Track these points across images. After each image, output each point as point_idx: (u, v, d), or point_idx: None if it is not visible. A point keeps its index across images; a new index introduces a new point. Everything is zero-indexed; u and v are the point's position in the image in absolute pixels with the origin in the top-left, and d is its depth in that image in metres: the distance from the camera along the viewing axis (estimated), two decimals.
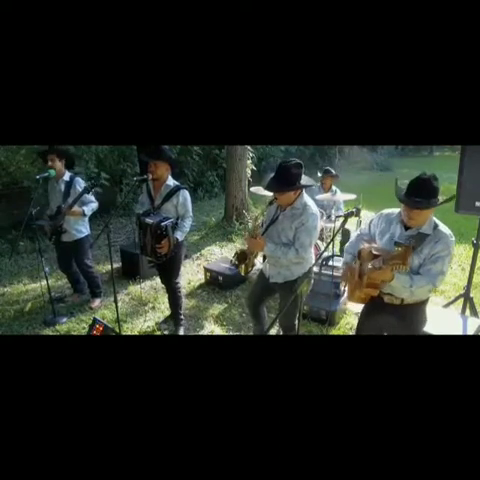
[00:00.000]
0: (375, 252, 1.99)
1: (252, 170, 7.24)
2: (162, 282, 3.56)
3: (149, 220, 2.95)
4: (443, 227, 2.00)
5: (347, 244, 2.38)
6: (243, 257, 2.70)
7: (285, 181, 2.38)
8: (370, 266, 1.95)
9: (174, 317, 3.48)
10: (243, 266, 2.74)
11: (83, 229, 3.73)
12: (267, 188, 2.48)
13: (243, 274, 2.86)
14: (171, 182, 3.12)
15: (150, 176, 3.01)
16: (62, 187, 3.59)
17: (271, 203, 2.64)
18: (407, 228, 2.03)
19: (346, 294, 2.22)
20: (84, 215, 3.60)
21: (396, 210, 2.13)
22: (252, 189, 4.82)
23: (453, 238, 1.97)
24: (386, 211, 2.21)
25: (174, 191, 3.07)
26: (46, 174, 3.40)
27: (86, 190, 3.47)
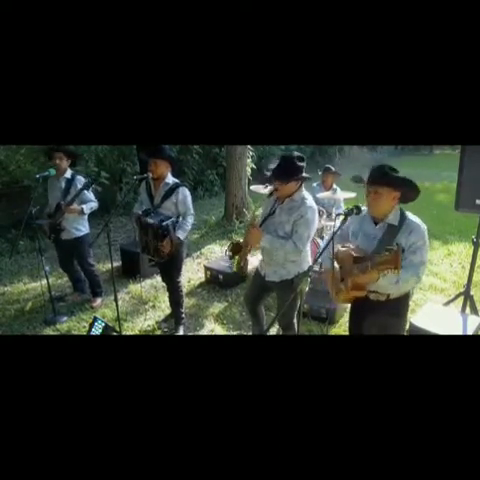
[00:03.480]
0: (355, 254, 1.97)
1: (252, 169, 7.24)
2: (163, 280, 3.57)
3: (150, 220, 2.94)
4: (412, 217, 2.06)
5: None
6: (237, 249, 2.68)
7: (289, 171, 2.37)
8: (356, 270, 1.94)
9: (175, 316, 3.48)
10: (236, 258, 2.70)
11: (82, 227, 3.72)
12: (271, 177, 2.46)
13: (235, 269, 2.81)
14: (170, 180, 3.11)
15: (150, 175, 3.00)
16: (63, 184, 3.57)
17: (270, 195, 2.62)
18: (376, 223, 2.10)
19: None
20: (83, 213, 3.57)
21: (366, 208, 2.17)
22: (252, 187, 4.82)
23: (425, 226, 2.03)
24: None
25: (173, 189, 3.06)
26: (46, 173, 3.39)
27: (86, 186, 3.44)
